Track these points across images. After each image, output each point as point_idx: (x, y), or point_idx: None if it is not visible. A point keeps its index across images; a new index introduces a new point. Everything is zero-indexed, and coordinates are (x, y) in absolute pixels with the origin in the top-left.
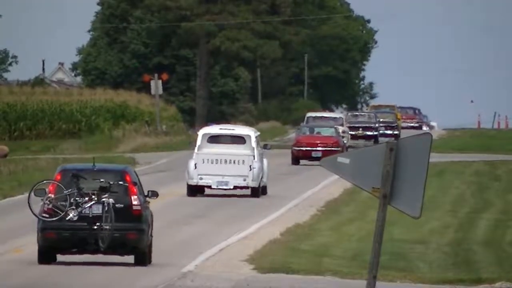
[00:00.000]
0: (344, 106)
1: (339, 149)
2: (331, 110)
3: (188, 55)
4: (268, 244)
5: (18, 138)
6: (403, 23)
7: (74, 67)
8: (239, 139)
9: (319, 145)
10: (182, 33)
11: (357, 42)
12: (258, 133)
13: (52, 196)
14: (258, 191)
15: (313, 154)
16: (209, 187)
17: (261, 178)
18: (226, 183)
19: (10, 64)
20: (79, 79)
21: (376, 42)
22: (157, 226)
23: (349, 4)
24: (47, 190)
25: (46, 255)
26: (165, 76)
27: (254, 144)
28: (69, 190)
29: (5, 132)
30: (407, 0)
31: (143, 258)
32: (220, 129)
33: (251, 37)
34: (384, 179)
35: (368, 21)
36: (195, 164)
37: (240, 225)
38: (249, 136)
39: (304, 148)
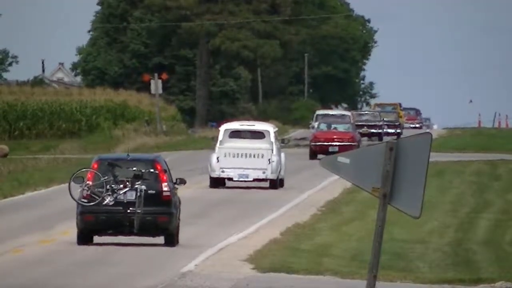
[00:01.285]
0: (345, 105)
1: (355, 144)
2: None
3: (188, 55)
4: (268, 244)
5: (18, 138)
6: (403, 23)
7: (74, 67)
8: (259, 134)
9: (336, 140)
10: (182, 33)
11: (357, 41)
12: (277, 128)
13: (90, 183)
14: (277, 183)
15: (330, 149)
16: (231, 179)
17: (279, 171)
18: (247, 176)
19: (10, 64)
20: (79, 78)
21: (376, 42)
22: None
23: (349, 4)
24: (85, 178)
25: (85, 237)
26: (165, 76)
27: (272, 139)
28: (106, 178)
29: (5, 131)
30: (407, 0)
31: (172, 239)
32: (241, 125)
33: (251, 37)
34: (384, 178)
35: (368, 21)
36: (218, 158)
37: (240, 225)
38: (268, 132)
39: (321, 143)
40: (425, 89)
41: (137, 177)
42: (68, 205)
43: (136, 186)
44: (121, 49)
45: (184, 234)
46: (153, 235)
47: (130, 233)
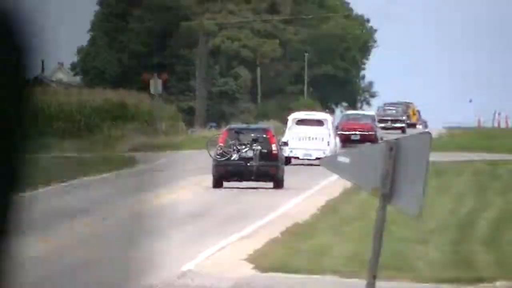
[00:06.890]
0: (345, 104)
1: (373, 133)
2: (332, 110)
3: (188, 55)
4: (268, 244)
5: None
6: (403, 23)
7: (73, 66)
8: (319, 122)
9: (358, 129)
10: (182, 32)
11: (357, 41)
12: (333, 118)
13: (222, 144)
14: None
15: (353, 137)
16: (297, 158)
17: (336, 152)
18: (310, 155)
19: None
20: (78, 78)
21: (376, 41)
22: (157, 225)
23: (349, 4)
24: (218, 141)
25: (218, 183)
26: (165, 76)
27: (330, 126)
28: (233, 141)
29: None
30: (407, 0)
31: (279, 184)
32: (306, 114)
33: (251, 36)
34: (383, 178)
35: (368, 21)
36: (287, 140)
37: (240, 224)
38: (327, 120)
39: (345, 133)
40: (425, 88)
41: (254, 140)
42: (68, 205)
43: (254, 147)
44: (121, 49)
45: (184, 233)
46: (265, 181)
47: (249, 179)
